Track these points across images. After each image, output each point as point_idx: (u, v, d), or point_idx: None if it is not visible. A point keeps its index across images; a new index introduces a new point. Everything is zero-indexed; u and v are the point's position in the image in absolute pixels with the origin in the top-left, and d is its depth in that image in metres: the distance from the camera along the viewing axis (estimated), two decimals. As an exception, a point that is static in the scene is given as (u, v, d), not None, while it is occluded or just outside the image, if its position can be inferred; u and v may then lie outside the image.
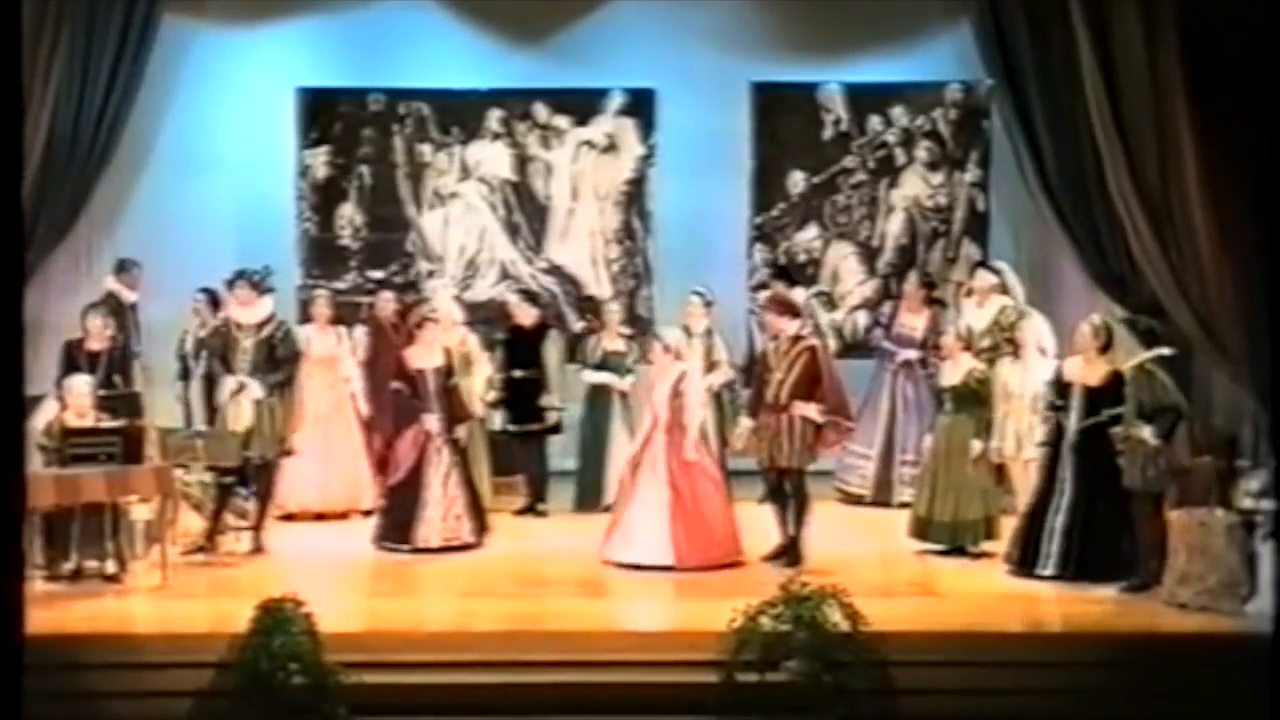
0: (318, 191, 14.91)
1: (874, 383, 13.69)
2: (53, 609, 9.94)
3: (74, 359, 12.30)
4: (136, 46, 13.15)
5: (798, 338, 11.53)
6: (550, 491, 13.31)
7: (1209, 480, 10.94)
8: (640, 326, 14.19)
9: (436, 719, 9.34)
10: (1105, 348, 11.02)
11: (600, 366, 13.27)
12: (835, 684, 9.32)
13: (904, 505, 12.57)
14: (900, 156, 14.90)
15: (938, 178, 14.89)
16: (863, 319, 14.82)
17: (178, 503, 11.55)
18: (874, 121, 14.88)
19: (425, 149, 14.95)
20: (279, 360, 11.93)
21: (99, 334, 12.47)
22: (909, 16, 14.47)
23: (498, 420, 13.21)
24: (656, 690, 9.36)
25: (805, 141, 14.88)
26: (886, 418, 13.52)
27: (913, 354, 13.55)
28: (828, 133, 14.91)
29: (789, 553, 11.31)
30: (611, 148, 15.01)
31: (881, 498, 13.39)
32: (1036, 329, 12.46)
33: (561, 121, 14.98)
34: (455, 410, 12.02)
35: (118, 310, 13.30)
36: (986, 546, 11.56)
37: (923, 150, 14.87)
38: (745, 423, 11.54)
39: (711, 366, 12.87)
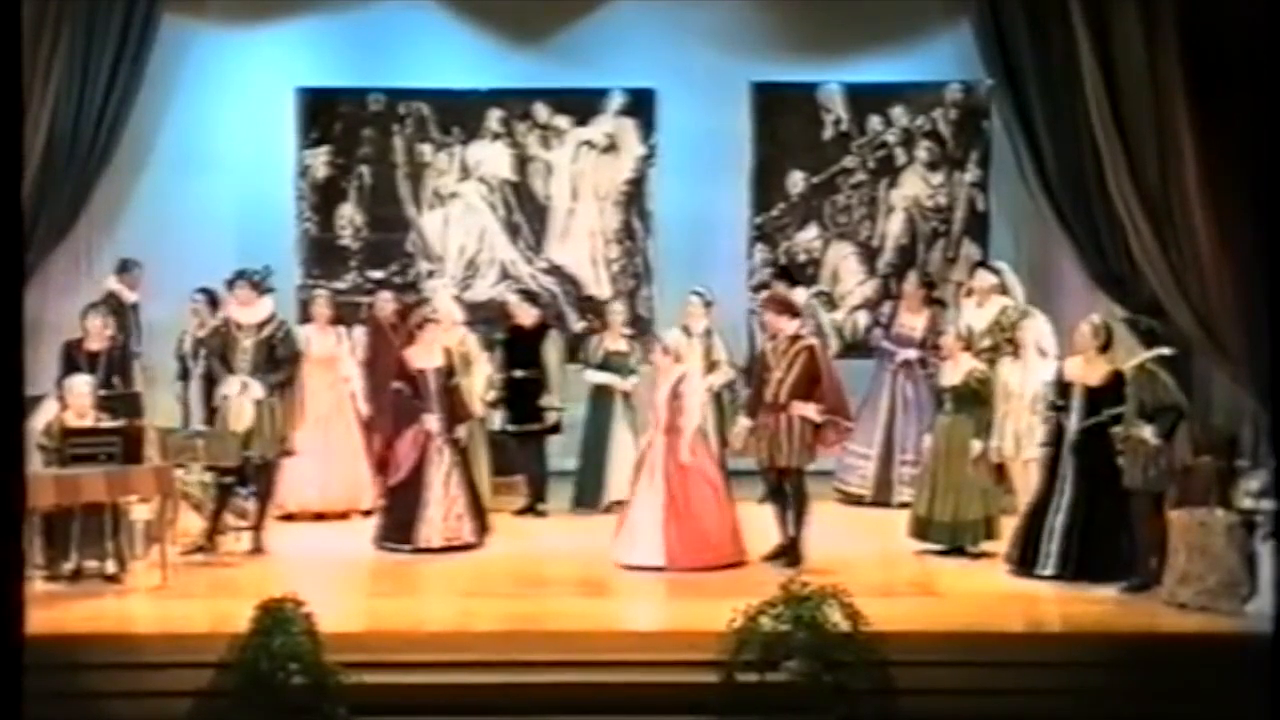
0: (318, 191, 14.91)
1: (873, 383, 13.69)
2: (53, 609, 9.93)
3: (74, 359, 12.31)
4: (136, 46, 13.16)
5: (796, 337, 11.53)
6: (550, 491, 13.31)
7: (1209, 480, 10.94)
8: (640, 327, 14.20)
9: (436, 719, 9.34)
10: (1105, 347, 11.02)
11: (603, 367, 13.27)
12: (835, 684, 9.32)
13: (904, 505, 12.56)
14: (900, 156, 14.90)
15: (938, 178, 14.89)
16: (863, 319, 14.82)
17: (177, 503, 11.55)
18: (874, 121, 14.88)
19: (425, 149, 14.95)
20: (279, 360, 11.93)
21: (98, 334, 12.47)
22: (909, 16, 14.47)
23: (497, 420, 13.22)
24: (656, 690, 9.36)
25: (805, 141, 14.88)
26: (886, 417, 13.52)
27: (912, 354, 13.55)
28: (828, 133, 14.91)
29: (789, 553, 11.31)
30: (611, 148, 15.01)
31: (881, 498, 13.38)
32: (1038, 329, 12.46)
33: (561, 121, 14.98)
34: (456, 410, 12.02)
35: (118, 310, 13.31)
36: (986, 546, 11.55)
37: (923, 150, 14.87)
38: (743, 422, 11.54)
39: (711, 367, 12.85)
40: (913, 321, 13.69)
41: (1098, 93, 11.66)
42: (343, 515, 12.91)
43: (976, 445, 11.60)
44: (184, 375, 13.20)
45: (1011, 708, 9.39)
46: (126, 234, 14.33)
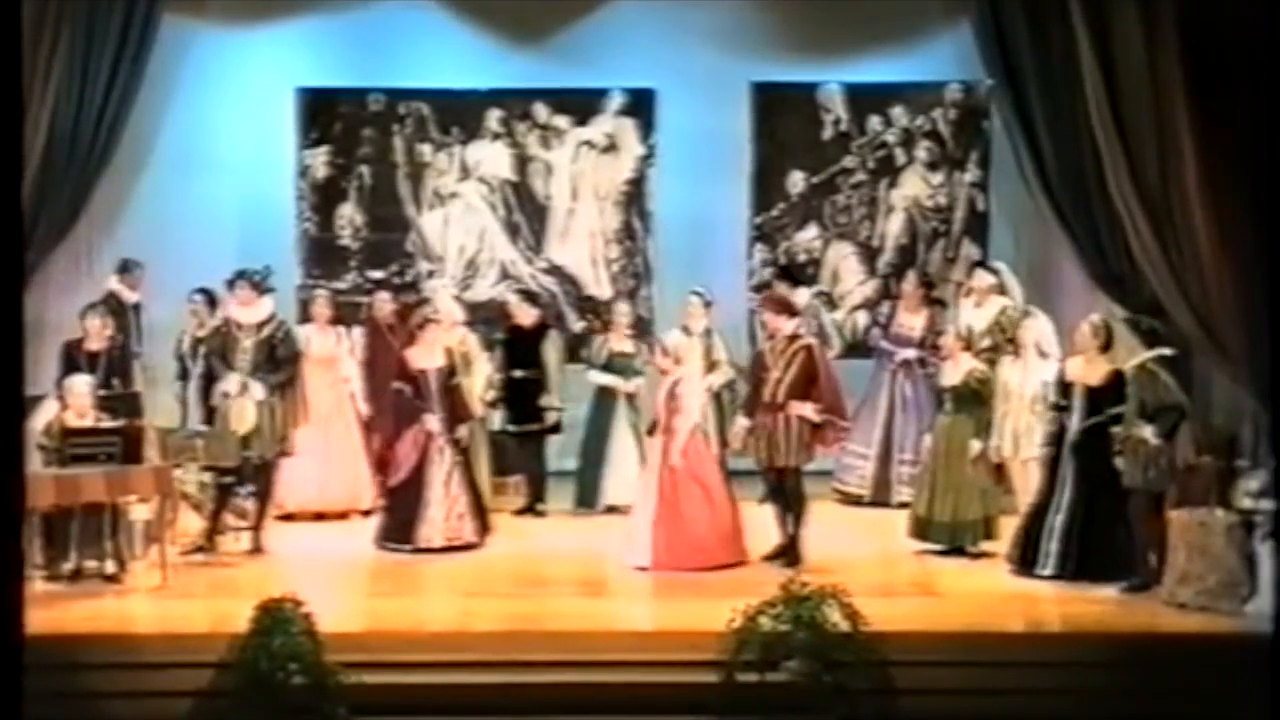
0: (318, 191, 14.91)
1: (872, 382, 13.68)
2: (53, 609, 9.93)
3: (74, 359, 12.31)
4: (136, 46, 13.16)
5: (794, 336, 11.53)
6: (550, 491, 13.31)
7: (1209, 480, 10.94)
8: (640, 327, 14.19)
9: (436, 719, 9.34)
10: (1105, 347, 11.02)
11: (606, 367, 13.26)
12: (835, 684, 9.32)
13: (903, 505, 12.56)
14: (900, 156, 14.90)
15: (938, 178, 14.89)
16: (863, 319, 14.82)
17: (177, 503, 11.55)
18: (874, 121, 14.88)
19: (425, 149, 14.95)
20: (279, 360, 11.92)
21: (98, 334, 12.48)
22: (909, 16, 14.47)
23: (497, 420, 13.22)
24: (656, 690, 9.36)
25: (805, 141, 14.88)
26: (885, 417, 13.51)
27: (911, 354, 13.54)
28: (828, 133, 14.90)
29: (788, 553, 11.31)
30: (611, 148, 15.01)
31: (880, 498, 13.38)
32: (1039, 329, 12.44)
33: (561, 121, 14.98)
34: (457, 410, 12.02)
35: (118, 310, 13.30)
36: (986, 546, 11.56)
37: (923, 150, 14.87)
38: (741, 422, 11.54)
39: (711, 367, 12.84)
40: (911, 321, 13.69)
41: (1098, 93, 11.67)
42: (342, 515, 12.91)
43: (976, 445, 11.60)
44: (183, 375, 13.19)
45: (1011, 708, 9.39)
46: (127, 234, 14.32)
